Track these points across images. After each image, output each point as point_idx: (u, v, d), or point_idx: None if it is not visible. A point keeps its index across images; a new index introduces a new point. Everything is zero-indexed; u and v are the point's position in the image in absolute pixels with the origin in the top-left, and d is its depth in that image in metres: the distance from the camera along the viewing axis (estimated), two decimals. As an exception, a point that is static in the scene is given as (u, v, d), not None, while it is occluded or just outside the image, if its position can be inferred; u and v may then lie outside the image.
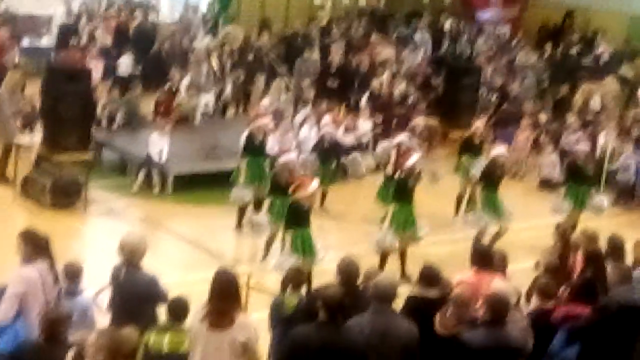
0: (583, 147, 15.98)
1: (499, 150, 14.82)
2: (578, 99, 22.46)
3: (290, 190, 12.23)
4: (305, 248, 11.80)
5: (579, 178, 15.09)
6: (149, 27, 23.72)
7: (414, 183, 13.12)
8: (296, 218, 11.87)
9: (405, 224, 12.94)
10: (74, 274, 8.61)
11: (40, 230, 8.19)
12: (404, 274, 12.72)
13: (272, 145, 15.36)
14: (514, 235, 14.76)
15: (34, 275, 7.84)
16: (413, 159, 13.17)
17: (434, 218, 14.90)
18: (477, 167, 15.29)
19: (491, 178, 14.35)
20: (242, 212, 14.38)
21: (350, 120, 18.25)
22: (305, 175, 12.90)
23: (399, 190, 13.06)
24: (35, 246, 7.93)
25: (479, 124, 16.93)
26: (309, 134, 16.92)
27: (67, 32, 22.65)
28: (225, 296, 7.37)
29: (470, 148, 16.33)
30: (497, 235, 14.17)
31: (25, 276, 7.84)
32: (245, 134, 14.86)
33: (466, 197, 15.64)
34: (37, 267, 7.87)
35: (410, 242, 13.12)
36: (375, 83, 20.17)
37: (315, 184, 12.21)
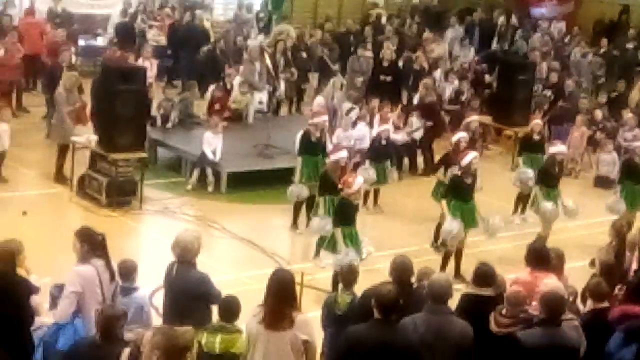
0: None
1: (558, 147, 14.72)
2: (634, 95, 22.16)
3: (339, 187, 12.24)
4: (352, 246, 11.77)
5: (636, 177, 14.87)
6: (199, 26, 23.81)
7: (471, 181, 13.04)
8: (344, 215, 11.85)
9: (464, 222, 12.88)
10: (128, 271, 8.68)
11: (96, 229, 8.26)
12: (458, 273, 12.63)
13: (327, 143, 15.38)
14: (570, 234, 14.65)
15: (91, 273, 7.91)
16: (469, 156, 13.09)
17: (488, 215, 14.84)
18: (524, 172, 15.19)
19: (550, 175, 14.24)
20: (297, 210, 14.39)
21: (399, 118, 18.16)
22: (351, 172, 12.84)
23: (454, 188, 12.99)
24: (92, 244, 8.00)
25: (537, 121, 16.78)
26: (364, 132, 16.85)
27: (125, 32, 22.85)
28: (284, 296, 7.38)
29: (529, 146, 16.16)
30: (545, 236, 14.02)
31: (82, 274, 7.92)
32: (301, 132, 14.87)
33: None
34: (93, 265, 7.94)
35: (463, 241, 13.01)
36: (427, 81, 20.01)
37: (360, 180, 12.12)
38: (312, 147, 14.51)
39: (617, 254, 10.65)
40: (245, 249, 13.57)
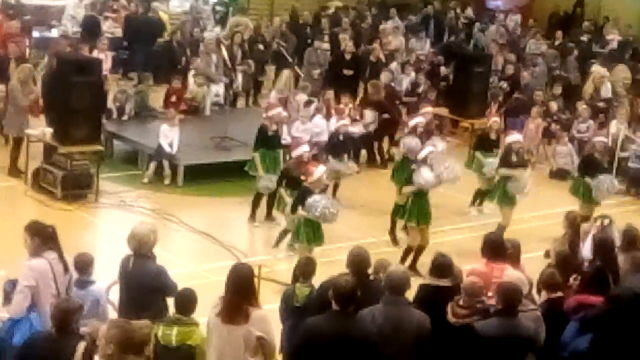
0: (602, 139, 15.71)
1: (514, 136, 14.82)
2: (588, 86, 22.37)
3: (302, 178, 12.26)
4: (314, 235, 11.79)
5: (595, 172, 14.95)
6: (155, 18, 23.68)
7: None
8: (304, 202, 11.85)
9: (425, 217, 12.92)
10: (85, 264, 8.62)
11: (46, 221, 8.17)
12: (414, 267, 12.60)
13: (284, 135, 15.36)
14: (526, 224, 14.76)
15: (44, 266, 7.84)
16: (426, 150, 13.12)
17: (446, 207, 14.94)
18: (491, 163, 15.22)
19: (508, 163, 14.33)
20: (257, 203, 14.34)
21: (355, 111, 18.16)
22: (312, 162, 12.83)
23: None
24: (42, 237, 7.93)
25: (495, 119, 16.69)
26: (321, 125, 16.81)
27: (91, 25, 22.63)
28: (241, 290, 7.37)
29: (486, 144, 16.13)
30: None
31: (35, 268, 7.84)
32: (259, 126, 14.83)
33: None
34: (46, 258, 7.87)
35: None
36: (375, 81, 20.02)
37: (321, 169, 12.17)
38: (270, 141, 14.46)
39: (571, 245, 10.76)
40: (203, 241, 13.53)
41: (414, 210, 12.86)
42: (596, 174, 14.64)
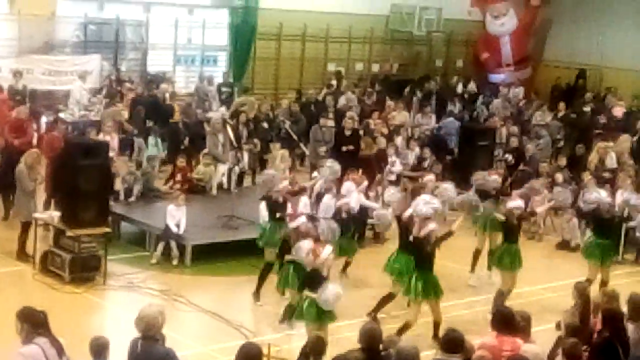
0: (607, 199, 15.67)
1: (515, 202, 14.77)
2: (593, 157, 22.42)
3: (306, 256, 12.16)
4: (320, 314, 11.70)
5: (604, 231, 14.93)
6: (161, 100, 23.93)
7: (431, 250, 12.91)
8: (312, 283, 11.80)
9: (433, 291, 12.80)
10: (100, 348, 8.51)
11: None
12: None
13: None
14: (535, 297, 14.69)
15: (36, 352, 7.78)
16: (431, 226, 12.99)
17: (451, 279, 14.89)
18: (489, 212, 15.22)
19: (511, 228, 14.33)
20: (263, 280, 14.30)
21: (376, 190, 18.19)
22: (319, 242, 12.74)
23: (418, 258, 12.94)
24: (33, 323, 7.90)
25: (495, 177, 16.80)
26: (330, 204, 16.74)
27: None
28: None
29: (486, 196, 16.16)
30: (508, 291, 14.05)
31: (27, 355, 7.78)
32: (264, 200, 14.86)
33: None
34: (37, 343, 7.82)
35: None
36: (368, 138, 20.22)
37: (328, 249, 12.10)
38: (277, 211, 14.46)
39: (581, 316, 10.68)
40: (212, 321, 13.46)
41: (419, 285, 12.69)
42: (610, 233, 14.68)
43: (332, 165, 16.49)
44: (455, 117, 25.30)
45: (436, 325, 12.76)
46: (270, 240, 14.30)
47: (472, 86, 30.37)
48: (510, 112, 26.82)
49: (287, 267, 13.00)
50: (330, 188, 17.20)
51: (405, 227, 13.80)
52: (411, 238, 13.21)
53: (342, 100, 26.41)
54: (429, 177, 17.23)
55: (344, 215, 15.51)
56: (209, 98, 25.94)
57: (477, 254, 15.99)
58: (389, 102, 25.79)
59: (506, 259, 14.18)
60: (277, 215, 14.49)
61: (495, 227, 15.22)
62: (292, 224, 13.49)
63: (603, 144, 22.45)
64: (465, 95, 29.22)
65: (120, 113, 22.21)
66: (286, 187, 14.95)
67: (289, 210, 14.59)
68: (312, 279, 11.78)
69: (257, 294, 14.32)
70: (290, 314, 12.84)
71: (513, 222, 14.42)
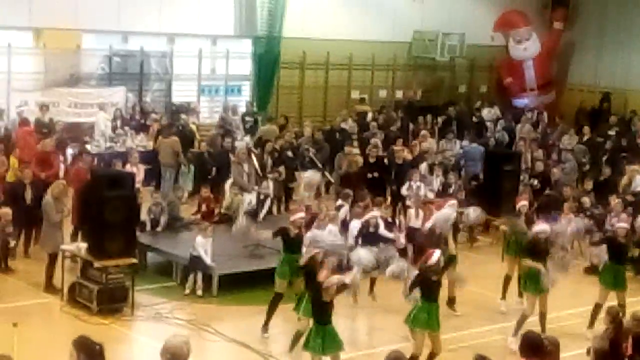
0: (623, 225, 15.60)
1: (541, 227, 14.68)
2: (625, 180, 22.27)
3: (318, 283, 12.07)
4: (327, 343, 11.61)
5: (619, 257, 14.88)
6: (187, 130, 24.08)
7: (437, 279, 12.61)
8: (321, 314, 11.65)
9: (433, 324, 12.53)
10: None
11: (94, 338, 8.15)
12: None
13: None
14: (564, 322, 14.59)
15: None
16: (436, 255, 12.63)
17: (481, 307, 14.82)
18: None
19: (537, 249, 14.26)
20: (272, 311, 14.18)
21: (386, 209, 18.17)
22: (330, 270, 12.57)
23: (421, 283, 12.57)
24: (89, 354, 7.90)
25: (524, 202, 16.69)
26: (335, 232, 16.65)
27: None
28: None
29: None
30: (542, 316, 13.98)
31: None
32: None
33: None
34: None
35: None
36: (414, 174, 20.25)
37: (335, 278, 11.77)
38: (292, 244, 14.33)
39: (613, 340, 10.58)
40: (241, 351, 13.46)
41: (422, 315, 12.36)
42: (621, 259, 14.63)
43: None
44: (479, 142, 25.24)
45: (433, 355, 12.59)
46: (282, 271, 14.23)
47: (495, 111, 30.35)
48: (534, 137, 26.78)
49: (305, 294, 12.89)
50: (358, 214, 17.18)
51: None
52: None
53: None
54: (452, 202, 17.08)
55: (371, 229, 15.51)
56: (233, 128, 26.06)
57: (507, 280, 15.92)
58: (423, 132, 25.73)
59: (533, 282, 14.14)
60: (292, 247, 14.31)
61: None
62: (292, 217, 13.67)
63: (632, 167, 22.34)
64: (488, 123, 29.16)
65: (178, 143, 22.40)
66: (300, 218, 14.64)
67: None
68: (321, 308, 11.70)
69: (265, 326, 14.16)
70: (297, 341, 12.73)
71: (539, 244, 14.36)
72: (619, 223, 15.70)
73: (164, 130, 23.50)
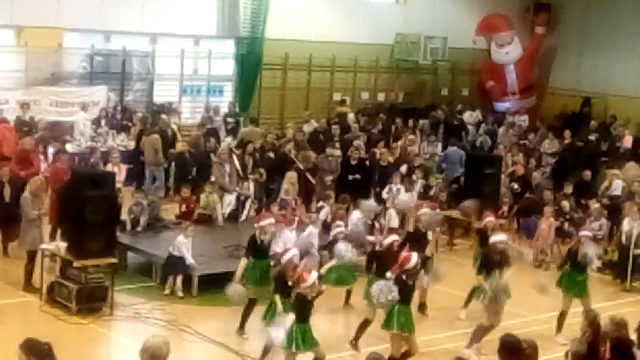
0: (586, 233, 15.42)
1: (498, 237, 14.54)
2: (605, 184, 22.36)
3: (291, 284, 12.10)
4: (306, 341, 11.62)
5: (579, 265, 14.87)
6: (167, 130, 24.04)
7: (412, 283, 12.62)
8: (300, 311, 11.65)
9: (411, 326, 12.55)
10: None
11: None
12: None
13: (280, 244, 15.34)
14: (542, 325, 14.64)
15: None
16: (413, 259, 12.56)
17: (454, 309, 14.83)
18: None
19: (490, 265, 14.08)
20: (247, 313, 14.11)
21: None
22: (303, 269, 12.56)
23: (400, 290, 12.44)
24: (38, 355, 7.87)
25: (490, 217, 16.32)
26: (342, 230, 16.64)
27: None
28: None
29: (485, 241, 15.96)
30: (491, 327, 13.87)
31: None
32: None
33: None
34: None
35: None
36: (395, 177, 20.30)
37: (314, 275, 11.87)
38: (258, 250, 14.25)
39: (591, 344, 10.61)
40: (219, 352, 13.44)
41: (401, 319, 12.35)
42: (582, 268, 14.64)
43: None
44: (459, 146, 25.29)
45: (408, 354, 12.61)
46: (252, 278, 14.07)
47: (477, 115, 30.44)
48: (515, 141, 26.88)
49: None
50: (341, 215, 17.15)
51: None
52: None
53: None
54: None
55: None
56: (215, 129, 26.00)
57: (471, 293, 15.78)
58: (411, 137, 25.77)
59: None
60: (259, 253, 14.20)
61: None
62: (284, 258, 13.04)
63: (612, 172, 22.43)
64: (470, 127, 29.25)
65: (159, 141, 22.39)
66: (269, 224, 14.45)
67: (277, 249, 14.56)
68: (300, 306, 11.67)
69: (241, 329, 14.09)
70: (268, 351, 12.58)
71: (492, 256, 14.17)
72: (582, 232, 15.59)
73: (147, 129, 23.47)
